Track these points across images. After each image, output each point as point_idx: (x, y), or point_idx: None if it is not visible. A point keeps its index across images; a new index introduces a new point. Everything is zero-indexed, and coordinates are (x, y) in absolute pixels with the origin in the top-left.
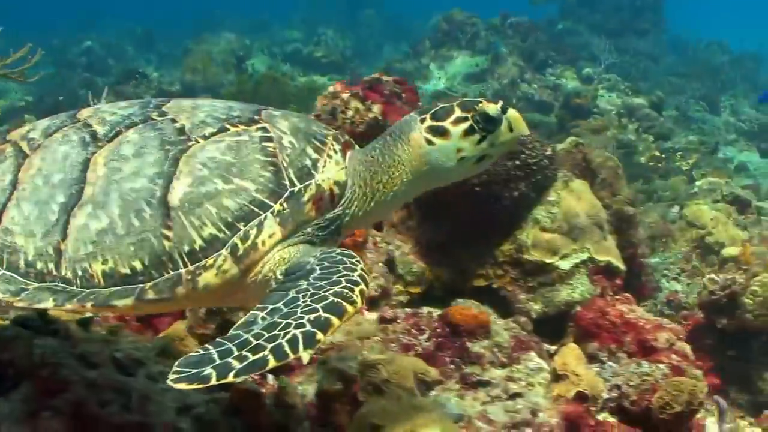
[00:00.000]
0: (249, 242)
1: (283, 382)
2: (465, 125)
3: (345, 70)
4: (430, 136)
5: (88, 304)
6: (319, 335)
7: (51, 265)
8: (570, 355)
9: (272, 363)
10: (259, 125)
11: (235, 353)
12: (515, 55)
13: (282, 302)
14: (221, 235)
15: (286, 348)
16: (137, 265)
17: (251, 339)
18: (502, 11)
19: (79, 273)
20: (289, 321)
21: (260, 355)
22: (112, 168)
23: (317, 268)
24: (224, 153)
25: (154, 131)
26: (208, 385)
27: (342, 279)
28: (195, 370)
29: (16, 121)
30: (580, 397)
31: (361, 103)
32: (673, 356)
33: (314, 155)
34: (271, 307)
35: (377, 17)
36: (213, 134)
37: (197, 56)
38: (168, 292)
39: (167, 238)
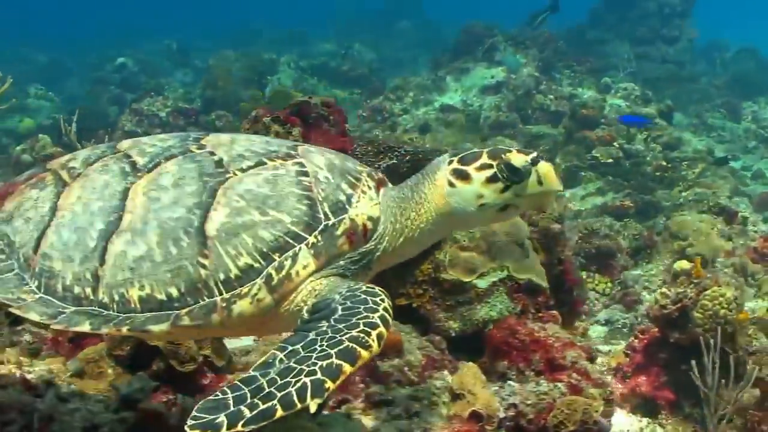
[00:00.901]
0: (283, 273)
1: (184, 402)
2: (488, 172)
3: (370, 84)
4: (452, 179)
5: (124, 329)
6: (329, 384)
7: (88, 290)
8: (467, 374)
9: (279, 413)
10: (296, 160)
11: (248, 400)
12: (531, 65)
13: (300, 344)
14: (256, 264)
15: (294, 398)
16: (173, 291)
17: (265, 385)
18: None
19: (116, 298)
20: (302, 367)
21: (269, 404)
22: (151, 197)
23: (339, 307)
24: (261, 186)
25: (193, 163)
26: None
27: (360, 322)
28: (209, 417)
29: (32, 140)
30: (475, 416)
31: (281, 127)
32: (574, 375)
33: (349, 190)
34: (290, 348)
35: (414, 29)
36: (251, 167)
37: (217, 72)
38: (203, 318)
39: (204, 266)
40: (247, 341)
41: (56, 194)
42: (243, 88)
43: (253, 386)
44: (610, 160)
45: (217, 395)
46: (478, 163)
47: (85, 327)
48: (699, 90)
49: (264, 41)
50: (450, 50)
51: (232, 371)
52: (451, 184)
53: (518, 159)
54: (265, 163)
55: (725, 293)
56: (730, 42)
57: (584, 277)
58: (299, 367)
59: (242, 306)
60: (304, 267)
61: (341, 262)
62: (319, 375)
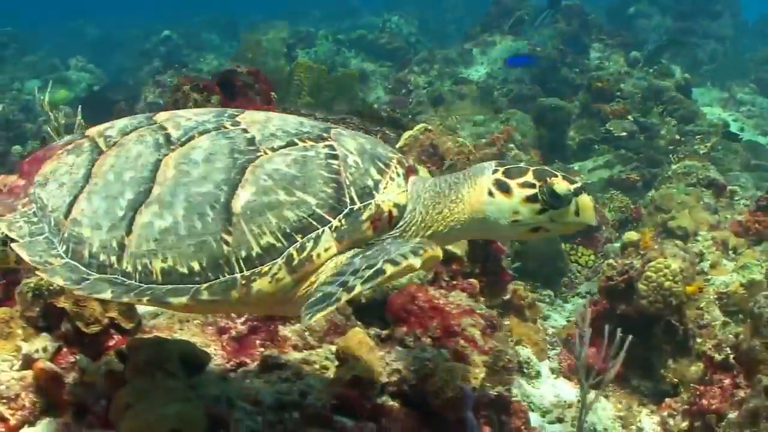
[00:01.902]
0: (305, 254)
1: (83, 362)
2: (529, 192)
3: (405, 57)
4: (493, 189)
5: (144, 299)
6: (422, 251)
7: (113, 258)
8: (352, 339)
9: (390, 270)
10: (327, 142)
11: (351, 278)
12: (556, 39)
13: (363, 255)
14: (278, 244)
15: (398, 258)
16: (195, 265)
17: (358, 266)
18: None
19: (139, 268)
20: (381, 255)
21: (376, 266)
22: (181, 171)
23: (384, 242)
24: (290, 166)
25: (225, 139)
26: (340, 303)
27: (409, 244)
28: (322, 304)
29: (56, 112)
30: (356, 381)
31: (200, 95)
32: (461, 342)
33: (377, 176)
34: (356, 259)
35: (464, 1)
36: (281, 147)
37: (247, 44)
38: (222, 294)
39: (226, 242)
40: None
41: (91, 161)
42: (272, 60)
43: (350, 271)
44: (624, 134)
45: (316, 295)
46: (521, 180)
47: (107, 295)
48: (738, 65)
49: (315, 15)
50: (480, 23)
51: (141, 334)
52: (490, 194)
53: (562, 186)
54: (296, 144)
55: (670, 265)
56: None
57: (567, 249)
58: (378, 255)
59: (261, 284)
60: (326, 249)
61: (364, 247)
62: (408, 249)
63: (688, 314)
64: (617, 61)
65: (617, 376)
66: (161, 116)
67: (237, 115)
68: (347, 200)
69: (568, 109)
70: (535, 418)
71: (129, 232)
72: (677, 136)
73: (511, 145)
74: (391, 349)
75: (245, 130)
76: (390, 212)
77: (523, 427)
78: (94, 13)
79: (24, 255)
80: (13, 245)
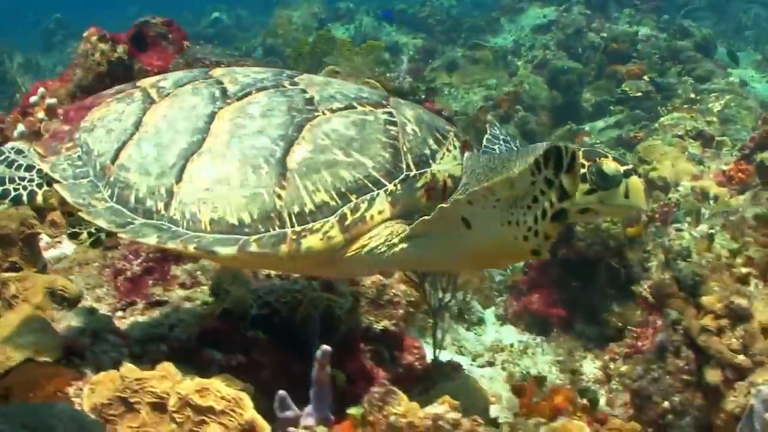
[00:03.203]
0: (358, 214)
1: None
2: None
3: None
4: None
5: (191, 247)
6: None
7: (160, 205)
8: (225, 274)
9: None
10: (386, 109)
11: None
12: (583, 3)
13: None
14: (332, 203)
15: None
16: (246, 217)
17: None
18: None
19: (187, 216)
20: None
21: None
22: (237, 124)
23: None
24: (348, 128)
25: (283, 97)
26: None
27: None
28: None
29: None
30: (227, 313)
31: (105, 45)
32: None
33: (434, 146)
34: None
35: None
36: (340, 109)
37: (278, 21)
38: (270, 248)
39: (279, 196)
40: (65, 248)
41: (142, 110)
42: (303, 35)
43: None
44: (639, 94)
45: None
46: None
47: (152, 240)
48: None
49: None
50: None
51: None
52: None
53: (611, 166)
54: (355, 108)
55: None
56: None
57: None
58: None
59: (312, 241)
60: (380, 212)
61: (416, 217)
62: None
63: (632, 257)
64: (648, 24)
65: (560, 320)
66: (217, 71)
67: (295, 76)
68: (404, 166)
69: (581, 71)
70: (463, 361)
71: (179, 180)
72: (693, 95)
73: (518, 107)
74: (267, 282)
75: (304, 90)
76: (445, 182)
77: (417, 363)
78: None
79: (67, 196)
80: (56, 186)
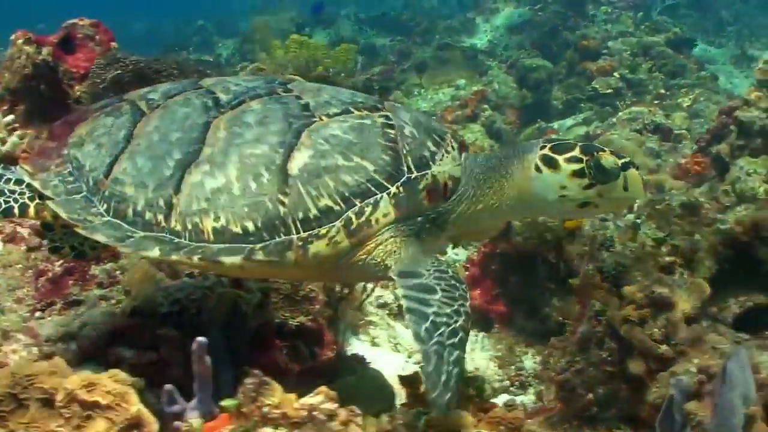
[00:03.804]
0: (363, 218)
1: None
2: (576, 166)
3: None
4: (540, 164)
5: (195, 258)
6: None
7: (160, 217)
8: (137, 272)
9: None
10: (382, 113)
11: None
12: (558, 2)
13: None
14: (336, 207)
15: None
16: (249, 225)
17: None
18: None
19: (189, 227)
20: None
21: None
22: (233, 132)
23: (438, 288)
24: (347, 132)
25: (278, 104)
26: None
27: (461, 310)
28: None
29: None
30: (134, 312)
31: (31, 47)
32: None
33: (433, 148)
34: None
35: None
36: (336, 114)
37: (256, 25)
38: (277, 255)
39: (283, 203)
40: None
41: (132, 122)
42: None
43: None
44: (610, 91)
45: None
46: (569, 155)
47: (154, 252)
48: (762, 24)
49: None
50: None
51: None
52: (537, 169)
53: (609, 160)
54: (351, 112)
55: None
56: None
57: None
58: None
59: (319, 246)
60: (384, 215)
61: (418, 219)
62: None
63: (570, 250)
64: (624, 21)
65: (501, 316)
66: (207, 81)
67: (288, 83)
68: (405, 168)
69: (550, 69)
70: (399, 358)
71: (178, 191)
72: (662, 90)
73: (485, 106)
74: (178, 280)
75: (298, 97)
76: (446, 184)
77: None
78: (142, 7)
79: (61, 212)
80: (49, 203)
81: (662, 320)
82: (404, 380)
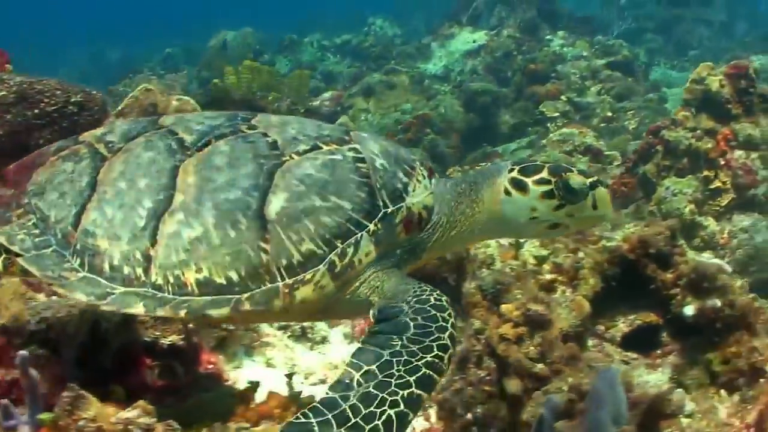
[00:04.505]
0: (346, 260)
1: None
2: (545, 188)
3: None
4: (510, 187)
5: (182, 312)
6: (411, 416)
7: (139, 270)
8: (6, 291)
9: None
10: (351, 145)
11: (335, 430)
12: (512, 27)
13: (376, 365)
14: (319, 251)
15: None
16: (233, 275)
17: (349, 414)
18: None
19: (171, 280)
20: (384, 396)
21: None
22: (204, 177)
23: (411, 324)
24: (320, 171)
25: (246, 144)
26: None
27: (434, 345)
28: None
29: None
30: (4, 330)
31: None
32: None
33: (405, 179)
34: (365, 368)
35: None
36: (306, 151)
37: (213, 52)
38: (264, 304)
39: (264, 250)
40: None
41: (94, 168)
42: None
43: (337, 412)
44: (557, 114)
45: (300, 418)
46: (537, 177)
47: (139, 309)
48: (727, 48)
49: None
50: (447, 16)
51: None
52: (507, 192)
53: (577, 180)
54: (321, 148)
55: None
56: None
57: None
58: (381, 395)
59: (305, 292)
60: (366, 254)
61: (397, 252)
62: (402, 407)
63: (470, 270)
64: (581, 46)
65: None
66: (166, 120)
67: (251, 119)
68: (380, 204)
69: (497, 93)
70: (295, 379)
71: (154, 242)
72: (609, 113)
73: (428, 130)
74: (46, 298)
75: (265, 134)
76: (420, 214)
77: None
78: (115, 35)
79: (33, 270)
80: (19, 260)
81: (538, 338)
82: (240, 397)
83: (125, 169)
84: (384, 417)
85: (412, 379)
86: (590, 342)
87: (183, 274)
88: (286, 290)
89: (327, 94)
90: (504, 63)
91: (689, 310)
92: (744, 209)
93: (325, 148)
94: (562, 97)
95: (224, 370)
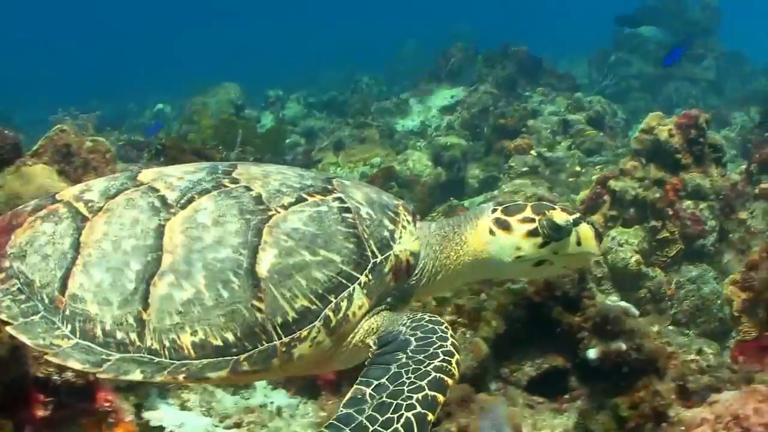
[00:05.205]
0: (341, 314)
1: None
2: (530, 226)
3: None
4: (494, 227)
5: (180, 377)
6: (430, 416)
7: (133, 335)
8: None
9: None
10: (335, 195)
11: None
12: (490, 83)
13: (386, 378)
14: (313, 307)
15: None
16: (229, 336)
17: (367, 424)
18: (503, 41)
19: (167, 344)
20: (399, 402)
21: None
22: (191, 236)
23: (412, 339)
24: (307, 224)
25: (230, 199)
26: None
27: (439, 351)
28: None
29: None
30: None
31: None
32: None
33: (391, 226)
34: (375, 383)
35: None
36: (292, 204)
37: (194, 107)
38: (262, 363)
39: (259, 309)
40: None
41: (76, 229)
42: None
43: (354, 425)
44: (526, 169)
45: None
46: (521, 216)
47: (137, 376)
48: (711, 105)
49: (323, 79)
50: (427, 74)
51: None
52: (491, 233)
53: (561, 217)
54: (306, 199)
55: None
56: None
57: None
58: (395, 402)
59: (302, 349)
60: (360, 307)
61: (388, 299)
62: (419, 409)
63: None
64: (560, 103)
65: (330, 383)
66: (146, 176)
67: (232, 171)
68: (369, 254)
69: (465, 147)
70: (208, 422)
71: (146, 306)
72: (578, 168)
73: (392, 183)
74: None
75: (248, 188)
76: (408, 261)
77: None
78: (106, 91)
79: (24, 339)
80: (9, 329)
81: None
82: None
83: (109, 230)
84: (402, 420)
85: (423, 383)
86: (493, 385)
87: (178, 338)
88: (284, 349)
89: (300, 149)
90: (480, 118)
91: (592, 353)
92: (692, 260)
93: (310, 199)
94: (532, 152)
95: (123, 409)
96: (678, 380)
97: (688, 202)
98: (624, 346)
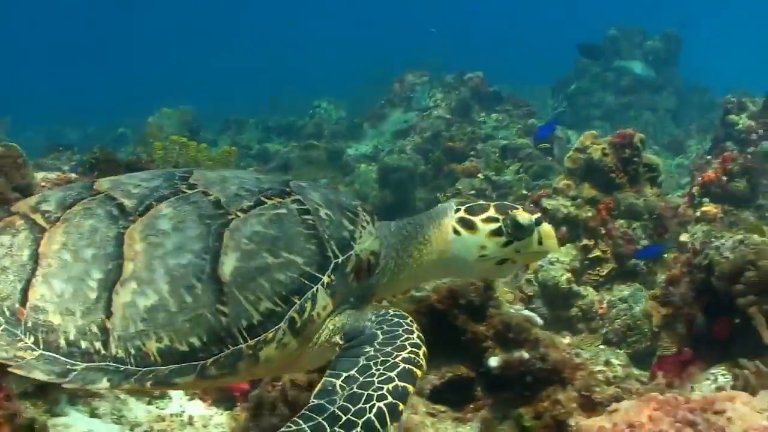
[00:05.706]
0: (306, 315)
1: None
2: (494, 225)
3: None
4: (458, 227)
5: (148, 384)
6: (401, 406)
7: (98, 344)
8: None
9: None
10: (293, 197)
11: (329, 430)
12: (443, 108)
13: (355, 370)
14: (278, 309)
15: (377, 423)
16: (195, 341)
17: (339, 413)
18: (460, 70)
19: (132, 351)
20: (370, 393)
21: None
22: (151, 243)
23: (379, 332)
24: (267, 227)
25: (188, 205)
26: None
27: (406, 344)
28: None
29: None
30: None
31: None
32: None
33: (350, 226)
34: (345, 374)
35: None
36: (251, 207)
37: (150, 129)
38: (229, 367)
39: (224, 313)
40: None
41: (34, 240)
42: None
43: (327, 414)
44: (473, 192)
45: (290, 426)
46: (485, 216)
47: (103, 384)
48: (668, 133)
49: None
50: (385, 99)
51: None
52: (456, 232)
53: (524, 217)
54: (264, 202)
55: None
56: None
57: None
58: (366, 392)
59: (268, 352)
60: (324, 307)
61: (350, 298)
62: (390, 399)
63: None
64: (511, 128)
65: (243, 394)
66: (102, 185)
67: (188, 177)
68: (330, 255)
69: (411, 169)
70: (117, 429)
71: (109, 314)
72: (524, 191)
73: None
74: None
75: (206, 193)
76: (368, 260)
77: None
78: (74, 114)
79: None
80: None
81: None
82: None
83: (68, 240)
84: (375, 410)
85: (393, 374)
86: None
87: (144, 345)
88: (250, 351)
89: (250, 169)
90: (433, 143)
91: (493, 362)
92: (624, 279)
93: (269, 202)
94: (480, 175)
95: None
96: (583, 390)
97: (620, 221)
98: (527, 355)
